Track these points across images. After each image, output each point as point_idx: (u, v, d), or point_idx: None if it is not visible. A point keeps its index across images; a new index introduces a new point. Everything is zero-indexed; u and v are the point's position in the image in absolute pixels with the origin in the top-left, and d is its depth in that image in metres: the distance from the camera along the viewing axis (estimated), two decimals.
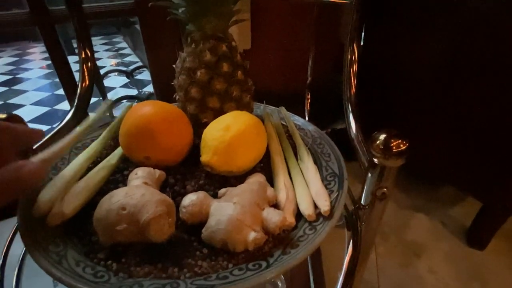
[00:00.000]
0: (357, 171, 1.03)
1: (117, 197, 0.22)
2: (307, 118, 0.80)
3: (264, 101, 0.46)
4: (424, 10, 0.75)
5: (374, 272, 0.77)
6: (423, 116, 0.85)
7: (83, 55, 0.43)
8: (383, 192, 0.27)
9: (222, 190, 0.26)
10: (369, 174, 0.28)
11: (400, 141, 0.26)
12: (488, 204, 0.79)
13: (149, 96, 1.51)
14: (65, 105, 1.74)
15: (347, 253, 0.30)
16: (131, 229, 0.22)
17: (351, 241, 0.31)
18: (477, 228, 0.84)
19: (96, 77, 1.47)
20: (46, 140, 0.36)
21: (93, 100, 1.69)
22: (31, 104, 1.80)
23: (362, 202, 0.31)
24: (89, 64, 0.43)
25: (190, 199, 0.24)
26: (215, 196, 0.27)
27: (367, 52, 0.99)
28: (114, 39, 2.99)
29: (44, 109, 1.71)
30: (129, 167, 0.31)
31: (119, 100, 1.59)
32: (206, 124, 0.34)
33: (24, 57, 2.58)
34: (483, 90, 0.70)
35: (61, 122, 0.38)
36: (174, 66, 0.36)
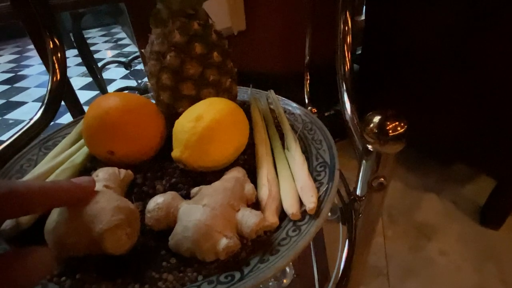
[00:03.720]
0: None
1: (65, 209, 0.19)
2: (306, 101, 0.76)
3: (251, 85, 0.42)
4: None
5: (382, 257, 0.75)
6: (433, 91, 0.79)
7: (51, 45, 0.40)
8: (380, 182, 0.24)
9: (195, 190, 0.23)
10: (364, 162, 0.24)
11: (397, 123, 0.22)
12: (502, 182, 0.75)
13: (146, 89, 1.47)
14: None
15: (341, 249, 0.26)
16: (84, 241, 0.19)
17: (347, 238, 0.28)
18: (491, 206, 0.80)
19: (95, 70, 1.43)
20: (14, 140, 0.33)
21: (94, 93, 1.67)
22: (33, 101, 1.80)
23: (358, 193, 0.27)
24: (58, 54, 0.40)
25: (155, 202, 0.21)
26: (188, 196, 0.24)
27: (371, 25, 0.93)
28: (113, 30, 2.94)
29: None
30: (97, 167, 0.28)
31: (121, 91, 1.57)
32: (181, 114, 0.31)
33: (25, 54, 2.56)
34: (496, 60, 0.64)
35: (30, 121, 0.35)
36: (142, 51, 0.32)
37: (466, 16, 0.65)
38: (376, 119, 0.22)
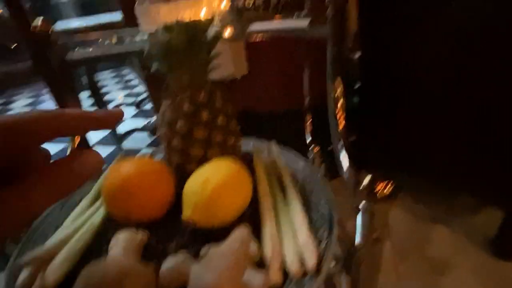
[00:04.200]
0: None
1: (93, 277, 0.22)
2: (309, 139, 0.79)
3: (254, 138, 0.45)
4: (420, 9, 0.73)
5: None
6: (436, 120, 0.81)
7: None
8: (376, 236, 0.26)
9: (203, 250, 0.26)
10: (359, 217, 0.27)
11: (385, 183, 0.24)
12: (510, 214, 0.74)
13: (155, 127, 1.54)
14: None
15: None
16: None
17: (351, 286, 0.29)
18: (503, 238, 0.79)
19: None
20: None
21: (103, 134, 1.73)
22: (46, 146, 1.87)
23: (357, 244, 0.29)
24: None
25: (166, 266, 0.23)
26: (198, 254, 0.26)
27: (368, 60, 0.97)
28: (123, 72, 3.10)
29: (60, 146, 1.77)
30: (113, 226, 0.31)
31: (128, 134, 1.63)
32: (191, 173, 0.34)
33: (40, 97, 2.70)
34: (501, 90, 0.66)
35: None
36: (157, 116, 0.36)
37: (462, 55, 0.69)
38: (366, 180, 0.25)
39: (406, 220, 0.93)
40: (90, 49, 0.43)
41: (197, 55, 0.33)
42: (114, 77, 2.96)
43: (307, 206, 0.32)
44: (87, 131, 0.20)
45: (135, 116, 2.07)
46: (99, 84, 2.79)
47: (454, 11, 0.68)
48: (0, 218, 0.15)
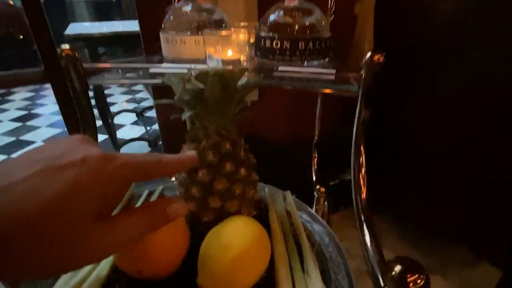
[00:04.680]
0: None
1: None
2: (314, 178, 0.78)
3: (268, 185, 0.44)
4: (425, 72, 0.75)
5: None
6: (433, 174, 0.82)
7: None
8: None
9: None
10: None
11: (416, 276, 0.23)
12: (508, 274, 0.73)
13: (156, 139, 1.52)
14: None
15: None
16: None
17: None
18: None
19: (109, 116, 1.48)
20: None
21: (102, 138, 1.71)
22: (42, 141, 1.83)
23: None
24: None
25: None
26: None
27: (376, 119, 0.99)
28: (134, 86, 3.09)
29: None
30: (121, 279, 0.29)
31: (126, 143, 1.61)
32: (206, 223, 0.32)
33: (41, 92, 2.67)
34: (497, 151, 0.67)
35: None
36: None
37: (462, 117, 0.70)
38: (397, 268, 0.24)
39: None
40: (113, 76, 0.42)
41: (229, 105, 0.32)
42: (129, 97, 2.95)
43: (327, 277, 0.30)
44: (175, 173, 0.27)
45: (135, 123, 2.05)
46: (103, 86, 2.78)
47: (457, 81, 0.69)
48: (100, 243, 0.18)
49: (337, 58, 0.54)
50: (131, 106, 2.39)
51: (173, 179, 0.41)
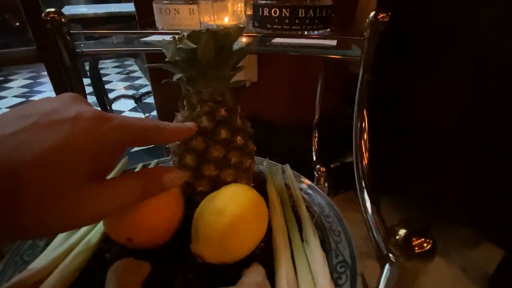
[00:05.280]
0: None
1: None
2: (314, 158, 0.77)
3: (267, 158, 0.42)
4: (434, 50, 0.72)
5: None
6: (439, 154, 0.80)
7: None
8: None
9: None
10: (385, 271, 0.24)
11: (423, 239, 0.22)
12: (510, 253, 0.73)
13: None
14: None
15: None
16: None
17: None
18: (501, 276, 0.77)
19: (105, 102, 1.46)
20: None
21: None
22: None
23: None
24: None
25: None
26: None
27: (380, 93, 0.97)
28: (126, 62, 3.05)
29: None
30: (111, 248, 0.28)
31: None
32: (201, 193, 0.31)
33: (39, 80, 2.64)
34: (503, 128, 0.65)
35: None
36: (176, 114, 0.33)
37: (468, 92, 0.68)
38: (402, 232, 0.22)
39: None
40: (101, 44, 0.40)
41: (223, 68, 0.30)
42: (117, 67, 2.92)
43: (327, 247, 0.29)
44: (171, 142, 0.27)
45: (133, 109, 2.03)
46: (101, 72, 2.74)
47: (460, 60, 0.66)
48: (93, 203, 0.17)
49: (339, 29, 0.52)
50: (130, 92, 2.36)
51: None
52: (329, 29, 0.50)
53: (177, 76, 0.29)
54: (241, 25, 0.44)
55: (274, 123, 1.08)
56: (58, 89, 0.81)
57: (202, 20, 0.42)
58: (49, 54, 0.75)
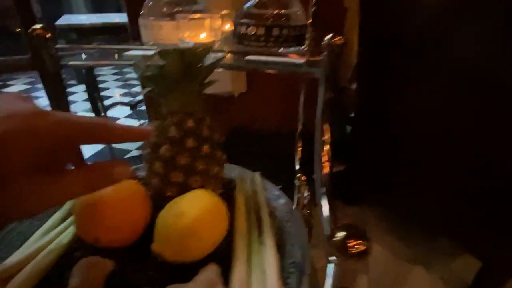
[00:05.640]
0: (358, 215, 0.98)
1: None
2: (297, 167, 0.79)
3: (239, 166, 0.45)
4: (410, 63, 0.76)
5: None
6: (420, 161, 0.83)
7: None
8: None
9: None
10: (328, 270, 0.26)
11: (358, 241, 0.24)
12: (486, 265, 0.75)
13: None
14: None
15: None
16: None
17: None
18: (479, 286, 0.79)
19: (99, 110, 1.48)
20: None
21: None
22: None
23: None
24: None
25: None
26: None
27: (363, 93, 0.99)
28: (124, 70, 3.09)
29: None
30: (81, 247, 0.30)
31: None
32: (169, 198, 0.33)
33: (36, 85, 2.67)
34: (479, 144, 0.68)
35: None
36: None
37: (449, 105, 0.71)
38: (340, 234, 0.25)
39: (386, 258, 0.93)
40: (85, 57, 0.43)
41: (191, 83, 0.33)
42: (115, 74, 2.96)
43: (282, 249, 0.31)
44: (121, 142, 0.27)
45: (129, 116, 2.05)
46: (99, 79, 2.78)
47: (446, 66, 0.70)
48: (36, 195, 0.18)
49: (317, 46, 0.55)
50: (126, 99, 2.39)
51: None
52: (303, 47, 0.53)
53: (146, 90, 0.31)
54: (218, 42, 0.47)
55: (263, 131, 1.11)
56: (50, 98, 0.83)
57: (180, 35, 0.45)
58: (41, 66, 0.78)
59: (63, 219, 0.33)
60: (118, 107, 2.13)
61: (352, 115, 1.11)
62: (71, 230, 0.31)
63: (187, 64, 0.31)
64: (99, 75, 2.85)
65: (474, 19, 0.60)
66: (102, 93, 2.35)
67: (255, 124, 1.11)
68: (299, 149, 0.81)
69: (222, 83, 0.90)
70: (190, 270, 0.28)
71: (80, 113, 2.06)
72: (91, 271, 0.25)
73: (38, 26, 0.37)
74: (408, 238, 0.98)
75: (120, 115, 2.06)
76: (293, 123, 0.97)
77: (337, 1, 1.05)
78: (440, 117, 0.74)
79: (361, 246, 0.24)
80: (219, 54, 0.40)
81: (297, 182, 0.73)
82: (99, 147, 1.61)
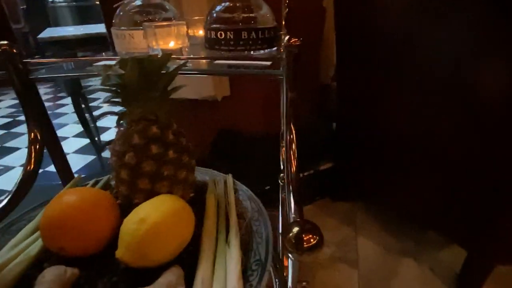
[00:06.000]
0: (348, 211, 0.99)
1: None
2: (282, 167, 0.80)
3: (220, 166, 0.46)
4: (387, 65, 0.77)
5: None
6: (403, 156, 0.84)
7: (32, 136, 0.43)
8: (303, 286, 0.26)
9: None
10: (289, 266, 0.27)
11: (310, 235, 0.25)
12: (472, 253, 0.76)
13: None
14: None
15: None
16: None
17: None
18: (466, 275, 0.80)
19: (92, 120, 1.48)
20: None
21: (82, 143, 1.70)
22: (26, 147, 1.83)
23: None
24: (37, 147, 0.43)
25: None
26: None
27: (343, 89, 1.00)
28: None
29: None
30: (50, 258, 0.30)
31: (108, 144, 1.61)
32: (138, 205, 0.34)
33: None
34: (461, 136, 0.69)
35: None
36: (107, 147, 0.36)
37: (430, 100, 0.72)
38: (295, 230, 0.25)
39: (375, 251, 0.93)
40: (55, 70, 0.44)
41: (151, 91, 0.33)
42: (91, 88, 2.94)
43: (249, 248, 0.32)
44: None
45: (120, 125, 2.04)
46: (89, 89, 2.77)
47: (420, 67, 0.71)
48: None
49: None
50: (117, 109, 2.38)
51: None
52: (275, 48, 0.54)
53: (106, 98, 0.32)
54: (185, 48, 0.48)
55: (250, 133, 1.11)
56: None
57: (148, 43, 0.46)
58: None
59: (33, 231, 0.34)
60: (108, 117, 2.13)
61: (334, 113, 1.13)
62: (39, 242, 0.31)
63: (147, 72, 0.32)
64: (88, 86, 2.84)
65: (448, 16, 0.61)
66: (91, 104, 2.35)
67: (241, 126, 1.12)
68: (283, 149, 0.82)
69: (205, 88, 0.91)
70: (154, 274, 0.28)
71: (70, 125, 2.06)
72: (55, 281, 0.25)
73: (3, 42, 0.38)
74: (397, 231, 0.99)
75: (111, 125, 2.06)
76: (277, 124, 0.98)
77: (315, 2, 1.07)
78: (421, 113, 0.76)
79: (314, 240, 0.25)
80: (181, 62, 0.40)
81: (281, 182, 0.74)
82: (88, 158, 1.61)
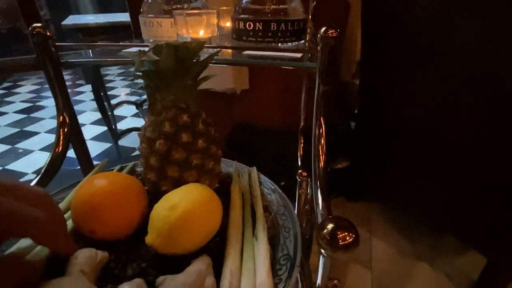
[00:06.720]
0: (362, 212, 0.97)
1: None
2: (299, 163, 0.79)
3: (236, 160, 0.45)
4: (410, 60, 0.75)
5: None
6: (424, 158, 0.82)
7: (61, 119, 0.44)
8: (334, 284, 0.25)
9: (159, 280, 0.25)
10: (320, 263, 0.26)
11: (346, 233, 0.24)
12: (492, 261, 0.73)
13: None
14: None
15: None
16: None
17: None
18: (485, 284, 0.78)
19: (106, 109, 1.50)
20: None
21: (100, 130, 1.74)
22: (45, 132, 1.88)
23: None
24: (66, 129, 0.43)
25: None
26: (154, 283, 0.26)
27: (365, 88, 0.98)
28: (131, 68, 3.11)
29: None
30: (78, 241, 0.30)
31: (127, 132, 1.64)
32: (165, 192, 0.34)
33: (46, 85, 2.71)
34: (484, 139, 0.66)
35: None
36: (137, 133, 0.36)
37: (453, 100, 0.70)
38: (330, 227, 0.25)
39: (390, 254, 0.92)
40: (84, 55, 0.44)
41: (184, 78, 0.33)
42: (121, 73, 2.99)
43: (276, 242, 0.31)
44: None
45: (135, 115, 2.08)
46: (106, 78, 2.81)
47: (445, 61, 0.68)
48: None
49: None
50: (133, 98, 2.42)
51: None
52: (302, 41, 0.53)
53: (142, 84, 0.32)
54: (216, 38, 0.47)
55: (266, 128, 1.11)
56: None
57: (178, 32, 0.45)
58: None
59: (64, 212, 0.34)
60: (125, 106, 2.16)
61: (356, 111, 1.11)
62: (70, 223, 0.32)
63: (181, 59, 0.32)
64: (106, 75, 2.89)
65: (476, 14, 0.59)
66: (109, 92, 2.39)
67: (258, 120, 1.11)
68: (301, 145, 0.81)
69: (224, 80, 0.91)
70: (183, 261, 0.28)
71: (88, 112, 2.09)
72: (86, 263, 0.25)
73: (37, 24, 0.38)
74: (412, 234, 0.98)
75: (127, 114, 2.09)
76: (295, 119, 0.97)
77: None
78: (445, 112, 0.73)
79: (350, 237, 0.24)
80: (213, 50, 0.40)
81: (299, 178, 0.73)
82: (105, 146, 1.63)
